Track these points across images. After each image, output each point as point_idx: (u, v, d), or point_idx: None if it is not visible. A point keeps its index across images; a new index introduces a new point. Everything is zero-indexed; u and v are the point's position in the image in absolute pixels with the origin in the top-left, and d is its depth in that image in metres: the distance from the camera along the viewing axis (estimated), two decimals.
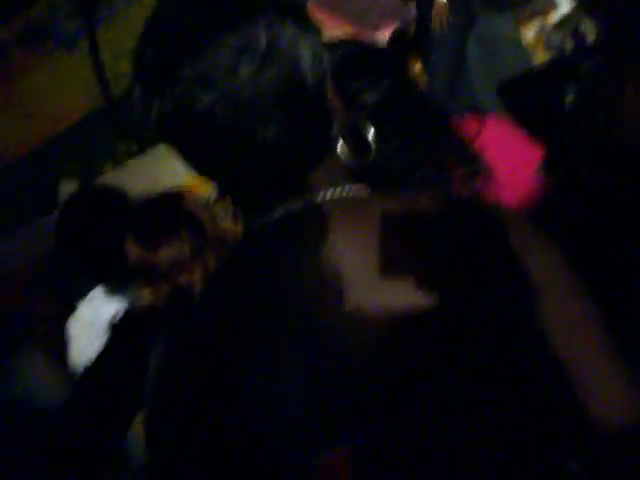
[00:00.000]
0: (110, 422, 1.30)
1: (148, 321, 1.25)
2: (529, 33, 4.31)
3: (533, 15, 4.31)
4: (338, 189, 0.77)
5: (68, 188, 4.31)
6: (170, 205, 1.41)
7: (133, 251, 1.37)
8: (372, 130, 0.82)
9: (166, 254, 1.33)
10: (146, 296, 1.35)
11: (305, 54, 0.74)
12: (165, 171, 4.39)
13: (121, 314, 1.32)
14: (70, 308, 4.99)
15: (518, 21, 4.02)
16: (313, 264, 0.70)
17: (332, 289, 0.69)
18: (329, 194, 0.76)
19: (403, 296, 0.67)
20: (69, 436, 1.30)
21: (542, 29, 4.33)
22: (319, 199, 0.76)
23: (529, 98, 3.04)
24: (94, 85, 4.91)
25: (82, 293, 1.90)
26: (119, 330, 1.30)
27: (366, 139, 0.82)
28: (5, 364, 1.79)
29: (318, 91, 0.75)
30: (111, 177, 4.57)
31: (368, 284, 0.69)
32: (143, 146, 4.76)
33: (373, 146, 0.81)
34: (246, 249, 0.79)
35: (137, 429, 1.39)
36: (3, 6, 5.03)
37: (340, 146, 0.77)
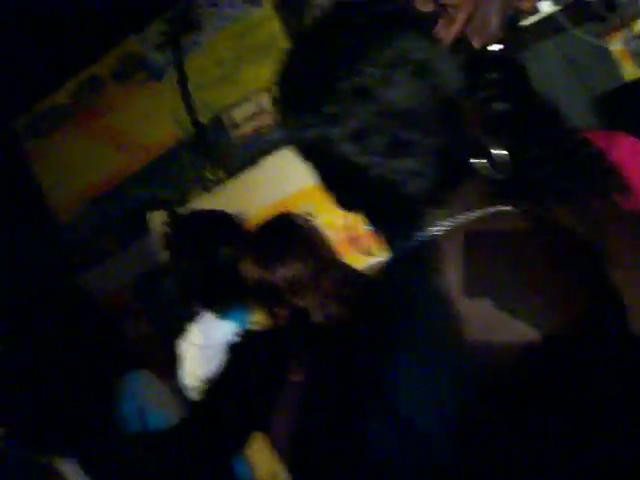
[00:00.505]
0: (227, 443, 1.35)
1: (266, 343, 1.29)
2: (615, 45, 4.22)
3: (618, 27, 4.23)
4: (478, 211, 0.78)
5: (158, 215, 4.43)
6: (285, 227, 1.45)
7: (252, 272, 1.41)
8: (508, 142, 0.82)
9: (285, 273, 1.36)
10: (264, 318, 1.39)
11: (446, 67, 0.75)
12: (252, 197, 4.49)
13: (238, 336, 1.37)
14: (163, 330, 5.11)
15: (604, 33, 3.96)
16: (440, 296, 0.72)
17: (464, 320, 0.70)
18: (465, 217, 0.77)
19: (540, 320, 0.68)
20: (188, 455, 1.35)
21: (628, 40, 4.24)
22: (456, 222, 0.77)
23: (628, 111, 2.98)
24: (183, 114, 5.06)
25: (189, 316, 1.94)
26: (238, 352, 1.34)
27: (504, 152, 0.81)
28: (118, 384, 1.84)
29: (459, 103, 0.76)
30: (200, 204, 4.69)
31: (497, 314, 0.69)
32: (230, 173, 4.89)
33: (511, 159, 0.81)
34: (385, 278, 0.81)
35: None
36: (96, 42, 5.27)
37: (478, 162, 0.77)
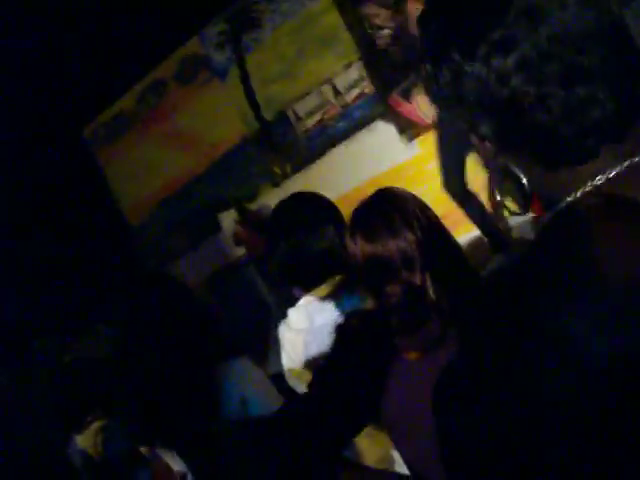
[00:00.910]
0: (341, 428, 1.35)
1: (376, 324, 1.29)
2: None
3: None
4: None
5: (228, 214, 4.49)
6: (389, 200, 1.42)
7: (362, 247, 1.38)
8: None
9: (397, 245, 1.33)
10: (372, 298, 1.38)
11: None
12: (322, 189, 4.50)
13: (347, 319, 1.37)
14: (241, 326, 5.14)
15: None
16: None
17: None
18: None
19: None
20: (296, 445, 1.35)
21: None
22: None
23: None
24: (247, 110, 5.11)
25: (284, 301, 1.93)
26: (347, 335, 1.34)
27: None
28: (220, 370, 1.84)
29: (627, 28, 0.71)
30: (270, 199, 4.73)
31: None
32: (297, 166, 4.92)
33: None
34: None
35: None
36: (157, 46, 5.36)
37: None
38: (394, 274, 1.33)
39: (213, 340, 1.89)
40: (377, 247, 1.35)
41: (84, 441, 1.96)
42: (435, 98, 1.13)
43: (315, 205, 1.88)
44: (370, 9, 4.46)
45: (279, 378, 2.37)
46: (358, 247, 1.40)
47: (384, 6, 4.32)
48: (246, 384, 1.82)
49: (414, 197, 1.43)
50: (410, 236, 1.34)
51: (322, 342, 1.58)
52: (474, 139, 0.84)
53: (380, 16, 4.35)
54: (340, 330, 1.37)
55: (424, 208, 1.41)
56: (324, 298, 1.74)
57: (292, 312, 1.84)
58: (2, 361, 4.71)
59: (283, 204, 1.95)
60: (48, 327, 5.41)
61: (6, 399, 4.15)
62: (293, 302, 1.84)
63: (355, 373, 1.32)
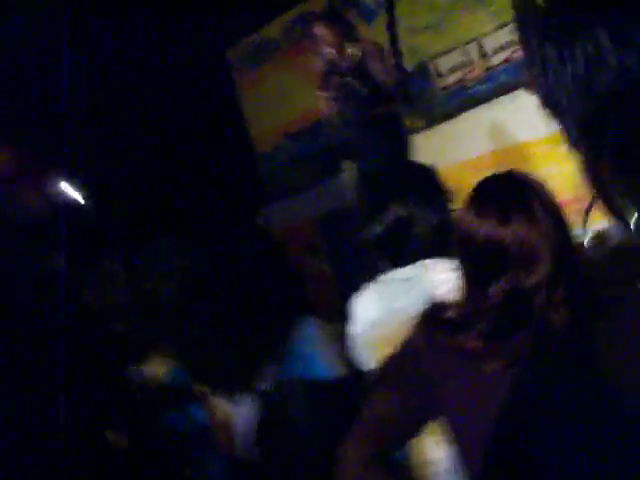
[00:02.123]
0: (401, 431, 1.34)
1: (463, 320, 1.22)
2: None
3: None
4: None
5: (352, 166, 4.47)
6: (527, 185, 1.26)
7: (489, 230, 1.18)
8: None
9: (518, 230, 1.16)
10: (471, 291, 1.24)
11: None
12: (450, 150, 4.39)
13: (431, 307, 1.31)
14: (339, 271, 5.16)
15: None
16: None
17: None
18: None
19: None
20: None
21: None
22: None
23: None
24: (387, 57, 5.00)
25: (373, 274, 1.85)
26: (428, 325, 1.29)
27: None
28: (287, 332, 1.84)
29: None
30: None
31: None
32: (430, 123, 4.80)
33: None
34: None
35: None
36: None
37: None
38: (508, 269, 1.17)
39: (290, 297, 1.90)
40: (507, 233, 1.17)
41: (147, 370, 2.03)
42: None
43: (433, 180, 1.76)
44: None
45: None
46: (483, 227, 1.20)
47: None
48: (315, 344, 1.82)
49: (547, 188, 1.26)
50: (546, 229, 1.16)
51: (396, 325, 1.54)
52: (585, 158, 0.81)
53: None
54: (424, 317, 1.31)
55: (557, 204, 1.25)
56: (407, 280, 1.65)
57: (371, 286, 1.75)
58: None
59: (400, 168, 1.84)
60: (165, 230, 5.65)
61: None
62: (371, 274, 1.74)
63: (419, 379, 1.28)
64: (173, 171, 6.00)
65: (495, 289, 1.18)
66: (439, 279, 1.58)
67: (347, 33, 3.43)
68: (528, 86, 4.43)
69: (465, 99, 4.75)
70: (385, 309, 1.68)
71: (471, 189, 1.30)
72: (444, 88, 4.86)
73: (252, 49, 6.06)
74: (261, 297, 1.84)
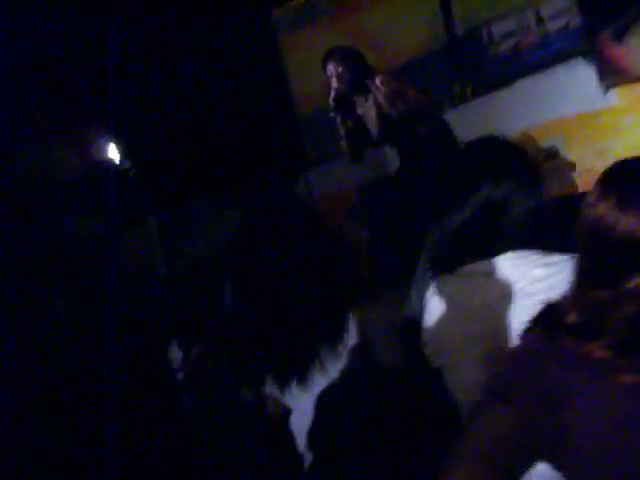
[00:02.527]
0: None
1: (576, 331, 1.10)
2: None
3: None
4: None
5: None
6: None
7: (624, 220, 1.05)
8: None
9: None
10: (600, 289, 1.07)
11: None
12: (499, 120, 4.22)
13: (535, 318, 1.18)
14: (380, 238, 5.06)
15: None
16: None
17: None
18: None
19: None
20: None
21: None
22: None
23: None
24: (440, 22, 4.82)
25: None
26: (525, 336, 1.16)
27: None
28: (343, 317, 1.73)
29: None
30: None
31: None
32: (479, 91, 4.62)
33: None
34: None
35: None
36: None
37: None
38: None
39: (347, 281, 1.76)
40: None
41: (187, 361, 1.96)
42: None
43: (525, 160, 1.52)
44: None
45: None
46: (625, 220, 1.06)
47: None
48: (373, 331, 1.70)
49: None
50: None
51: (475, 324, 1.42)
52: None
53: None
54: (531, 327, 1.17)
55: None
56: (491, 274, 1.42)
57: (450, 279, 1.52)
58: None
59: (489, 144, 1.56)
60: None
61: None
62: (444, 265, 1.55)
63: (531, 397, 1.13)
64: (213, 132, 5.93)
65: (632, 290, 1.04)
66: (531, 275, 1.39)
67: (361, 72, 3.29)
68: (585, 55, 4.26)
69: (518, 67, 4.55)
70: (463, 306, 1.49)
71: (601, 174, 1.17)
72: (496, 55, 4.66)
73: (297, 10, 5.90)
74: (309, 273, 1.68)
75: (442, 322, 1.52)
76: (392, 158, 4.70)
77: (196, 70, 5.75)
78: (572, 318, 1.10)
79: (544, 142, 4.24)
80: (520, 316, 1.25)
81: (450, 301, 1.50)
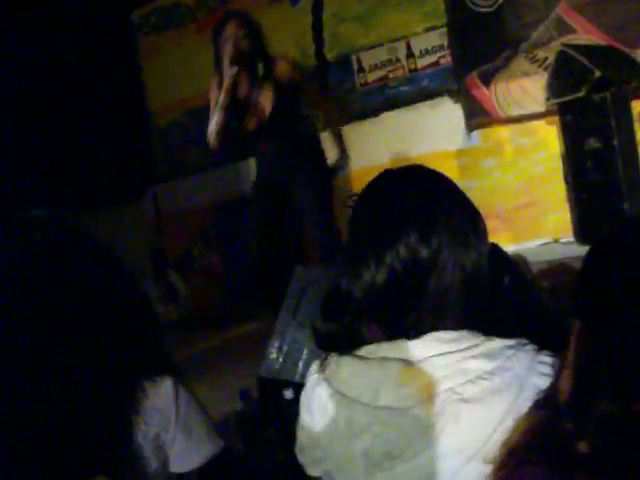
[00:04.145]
0: None
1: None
2: None
3: None
4: None
5: None
6: None
7: None
8: None
9: None
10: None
11: None
12: (363, 150, 4.11)
13: None
14: (230, 264, 4.81)
15: None
16: None
17: None
18: None
19: None
20: None
21: None
22: None
23: None
24: (309, 43, 4.69)
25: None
26: None
27: None
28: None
29: None
30: None
31: None
32: (345, 119, 4.51)
33: None
34: None
35: None
36: None
37: None
38: None
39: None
40: None
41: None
42: None
43: (464, 205, 1.02)
44: None
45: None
46: None
47: None
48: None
49: None
50: None
51: (382, 443, 0.94)
52: None
53: None
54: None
55: None
56: (409, 363, 0.96)
57: (346, 363, 1.01)
58: None
59: (411, 186, 1.02)
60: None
61: None
62: (338, 340, 1.06)
63: None
64: (61, 133, 5.45)
65: None
66: (465, 369, 0.94)
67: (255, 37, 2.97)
68: (452, 94, 4.25)
69: (384, 99, 4.50)
70: (362, 406, 0.97)
71: None
72: (364, 84, 4.58)
73: (161, 12, 5.58)
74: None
75: (330, 426, 1.02)
76: (247, 174, 4.47)
77: (44, 68, 5.27)
78: (583, 447, 0.76)
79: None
80: (451, 431, 0.91)
81: (343, 397, 0.99)
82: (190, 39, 5.43)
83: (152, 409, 1.13)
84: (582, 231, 3.45)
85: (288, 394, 1.90)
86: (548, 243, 3.83)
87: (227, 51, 2.92)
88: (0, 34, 4.84)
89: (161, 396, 1.15)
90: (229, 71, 2.91)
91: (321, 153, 3.11)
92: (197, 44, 5.36)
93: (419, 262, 0.95)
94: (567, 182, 3.60)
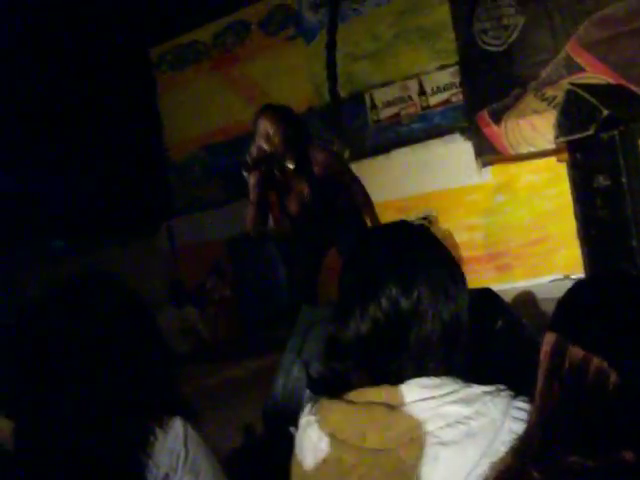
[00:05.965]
0: None
1: None
2: None
3: None
4: None
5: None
6: None
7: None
8: None
9: None
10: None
11: None
12: (375, 187, 4.16)
13: None
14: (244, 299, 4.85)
15: None
16: None
17: None
18: None
19: None
20: None
21: None
22: None
23: None
24: (323, 81, 4.77)
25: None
26: None
27: None
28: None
29: None
30: None
31: None
32: (357, 155, 4.57)
33: None
34: None
35: None
36: None
37: None
38: None
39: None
40: None
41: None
42: None
43: (444, 258, 1.08)
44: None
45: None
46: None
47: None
48: None
49: None
50: None
51: (371, 478, 0.98)
52: None
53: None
54: None
55: None
56: (394, 407, 1.00)
57: (335, 407, 1.05)
58: None
59: (395, 237, 1.09)
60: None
61: None
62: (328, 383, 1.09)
63: None
64: (79, 167, 5.57)
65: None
66: (444, 414, 0.99)
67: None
68: (463, 131, 4.30)
69: (396, 136, 4.56)
70: (350, 448, 1.02)
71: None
72: (376, 121, 4.64)
73: (178, 50, 5.70)
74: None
75: (320, 465, 1.07)
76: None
77: (64, 106, 5.40)
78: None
79: (417, 214, 4.23)
80: (429, 473, 0.94)
81: (333, 438, 1.04)
82: (206, 76, 5.54)
83: (161, 449, 1.16)
84: (592, 267, 3.46)
85: (293, 430, 1.93)
86: (559, 279, 3.83)
87: (253, 151, 3.01)
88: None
89: (170, 436, 1.18)
90: (250, 179, 3.04)
91: (361, 223, 3.21)
92: (213, 81, 5.48)
93: (400, 313, 1.01)
94: (577, 219, 3.62)
